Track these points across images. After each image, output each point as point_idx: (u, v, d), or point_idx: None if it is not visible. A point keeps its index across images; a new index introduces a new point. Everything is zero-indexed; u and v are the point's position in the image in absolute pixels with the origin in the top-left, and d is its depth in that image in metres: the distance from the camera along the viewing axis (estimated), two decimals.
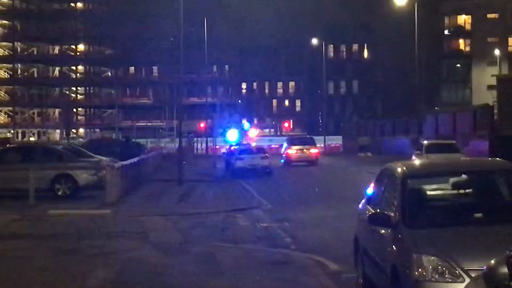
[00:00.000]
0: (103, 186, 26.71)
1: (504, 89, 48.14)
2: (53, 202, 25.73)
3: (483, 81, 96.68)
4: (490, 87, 79.87)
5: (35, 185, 25.43)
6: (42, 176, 26.66)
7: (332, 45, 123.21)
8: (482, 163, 12.07)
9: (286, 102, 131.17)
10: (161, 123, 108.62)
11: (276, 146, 75.08)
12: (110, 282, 12.41)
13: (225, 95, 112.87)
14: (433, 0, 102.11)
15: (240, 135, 66.11)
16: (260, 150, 46.83)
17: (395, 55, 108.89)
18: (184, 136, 49.50)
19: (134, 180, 32.10)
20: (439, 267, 8.29)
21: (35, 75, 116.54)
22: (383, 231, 9.63)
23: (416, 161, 12.08)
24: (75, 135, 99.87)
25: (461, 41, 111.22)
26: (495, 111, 48.87)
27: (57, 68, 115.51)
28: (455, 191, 10.15)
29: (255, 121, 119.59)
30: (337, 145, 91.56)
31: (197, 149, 76.60)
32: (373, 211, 10.36)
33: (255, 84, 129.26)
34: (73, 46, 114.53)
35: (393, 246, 9.14)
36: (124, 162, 29.50)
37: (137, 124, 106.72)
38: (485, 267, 6.48)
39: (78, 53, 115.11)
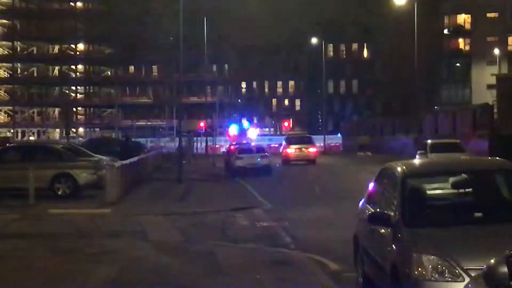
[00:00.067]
0: (103, 186, 26.71)
1: (503, 89, 48.17)
2: (53, 202, 25.72)
3: (483, 81, 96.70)
4: (489, 87, 79.90)
5: (35, 185, 25.42)
6: (42, 176, 26.65)
7: (331, 45, 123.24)
8: (482, 163, 12.08)
9: (286, 102, 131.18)
10: (161, 123, 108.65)
11: (276, 145, 75.08)
12: (110, 282, 12.41)
13: (224, 94, 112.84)
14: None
15: (240, 134, 66.19)
16: (259, 149, 46.85)
17: (394, 55, 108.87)
18: (183, 136, 49.46)
19: (134, 180, 32.09)
20: (439, 266, 8.30)
21: (35, 74, 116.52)
22: (383, 230, 9.63)
23: (416, 161, 12.07)
24: (74, 135, 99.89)
25: (460, 40, 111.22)
26: (495, 110, 48.90)
27: (57, 68, 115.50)
28: (455, 191, 10.15)
29: (255, 121, 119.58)
30: (337, 144, 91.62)
31: (196, 148, 76.57)
32: (373, 211, 10.37)
33: (254, 83, 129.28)
34: (73, 46, 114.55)
35: (393, 246, 9.15)
36: (124, 162, 29.49)
37: (136, 123, 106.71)
38: (485, 267, 6.48)
39: (78, 53, 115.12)
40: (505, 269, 5.93)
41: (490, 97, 61.50)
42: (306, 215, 22.23)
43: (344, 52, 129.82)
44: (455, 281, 8.17)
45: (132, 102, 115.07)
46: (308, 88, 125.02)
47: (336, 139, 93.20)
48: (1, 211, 23.37)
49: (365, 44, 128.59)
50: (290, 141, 57.41)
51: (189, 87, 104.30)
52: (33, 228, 20.02)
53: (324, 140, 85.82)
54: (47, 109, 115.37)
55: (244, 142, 57.13)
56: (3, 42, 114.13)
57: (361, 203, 11.71)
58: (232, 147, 50.74)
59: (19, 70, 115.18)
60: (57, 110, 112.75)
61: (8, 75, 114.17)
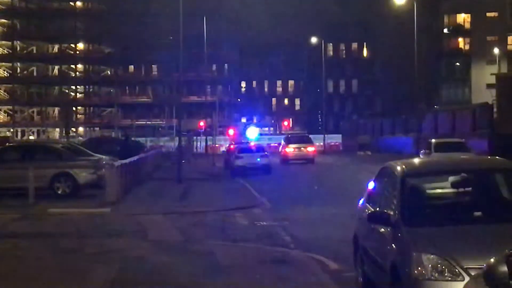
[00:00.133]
0: (103, 185, 26.72)
1: (503, 88, 48.23)
2: (53, 201, 25.72)
3: (483, 80, 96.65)
4: (489, 86, 79.89)
5: (35, 184, 25.43)
6: (42, 175, 26.65)
7: (331, 44, 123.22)
8: (481, 162, 12.08)
9: (286, 101, 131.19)
10: (161, 122, 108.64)
11: (276, 144, 75.12)
12: (110, 281, 12.40)
13: (224, 93, 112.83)
14: None
15: (240, 133, 66.23)
16: (259, 148, 46.86)
17: (394, 54, 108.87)
18: (183, 135, 49.47)
19: (133, 179, 32.08)
20: (439, 265, 8.30)
21: (35, 73, 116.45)
22: (382, 229, 9.63)
23: (416, 160, 12.06)
24: (74, 134, 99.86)
25: (460, 39, 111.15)
26: (495, 109, 48.97)
27: (56, 67, 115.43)
28: (454, 190, 10.14)
29: (255, 120, 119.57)
30: (337, 143, 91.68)
31: (196, 147, 76.60)
32: (373, 210, 10.36)
33: (254, 82, 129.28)
34: (72, 45, 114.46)
35: (393, 245, 9.15)
36: (124, 161, 29.48)
37: (136, 122, 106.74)
38: (484, 266, 6.48)
39: (77, 52, 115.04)
40: (505, 268, 5.94)
41: (489, 96, 61.56)
42: (306, 215, 22.23)
43: (344, 51, 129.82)
44: (455, 280, 8.17)
45: (131, 101, 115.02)
46: (308, 87, 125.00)
47: (336, 139, 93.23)
48: (0, 211, 23.37)
49: (364, 44, 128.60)
50: (288, 141, 57.78)
51: (189, 87, 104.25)
52: (32, 227, 20.02)
53: (324, 140, 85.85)
54: (46, 109, 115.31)
55: (247, 141, 57.16)
56: (3, 42, 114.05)
57: (360, 202, 11.71)
58: (231, 146, 50.77)
59: (18, 69, 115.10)
60: (56, 109, 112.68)
61: (8, 75, 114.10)
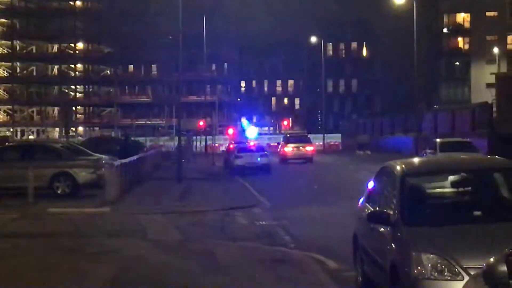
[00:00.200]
0: (103, 184, 26.70)
1: (503, 87, 48.22)
2: (52, 201, 25.69)
3: (482, 79, 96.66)
4: (489, 85, 79.88)
5: (34, 184, 25.42)
6: (41, 174, 26.63)
7: (331, 43, 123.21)
8: (481, 161, 12.09)
9: (285, 100, 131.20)
10: (160, 122, 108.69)
11: (275, 144, 75.15)
12: (109, 281, 12.40)
13: (224, 93, 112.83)
14: None
15: (240, 133, 66.18)
16: (259, 148, 46.88)
17: (394, 53, 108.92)
18: (183, 134, 49.47)
19: (133, 178, 32.08)
20: (438, 265, 8.30)
21: (34, 73, 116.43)
22: (382, 229, 9.63)
23: (415, 159, 12.06)
24: (74, 133, 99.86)
25: (460, 39, 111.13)
26: (494, 109, 48.95)
27: (56, 66, 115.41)
28: (454, 189, 10.15)
29: (254, 119, 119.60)
30: (336, 143, 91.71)
31: (196, 147, 76.60)
32: (372, 209, 10.36)
33: (254, 82, 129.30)
34: (72, 44, 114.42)
35: (392, 244, 9.15)
36: (123, 160, 29.48)
37: (136, 122, 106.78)
38: (484, 265, 6.48)
39: (77, 51, 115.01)
40: (504, 268, 5.94)
41: (489, 95, 61.54)
42: (306, 214, 22.23)
43: (344, 51, 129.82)
44: (454, 280, 8.17)
45: (131, 101, 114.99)
46: (308, 87, 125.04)
47: (335, 138, 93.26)
48: (0, 210, 23.36)
49: (364, 43, 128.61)
50: (287, 140, 58.10)
51: (189, 86, 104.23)
52: (32, 227, 20.01)
53: (324, 139, 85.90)
54: (46, 108, 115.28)
55: (246, 139, 57.19)
56: (3, 41, 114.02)
57: (360, 201, 11.71)
58: (231, 146, 50.77)
59: (18, 69, 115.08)
60: (56, 109, 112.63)
61: (8, 74, 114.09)
